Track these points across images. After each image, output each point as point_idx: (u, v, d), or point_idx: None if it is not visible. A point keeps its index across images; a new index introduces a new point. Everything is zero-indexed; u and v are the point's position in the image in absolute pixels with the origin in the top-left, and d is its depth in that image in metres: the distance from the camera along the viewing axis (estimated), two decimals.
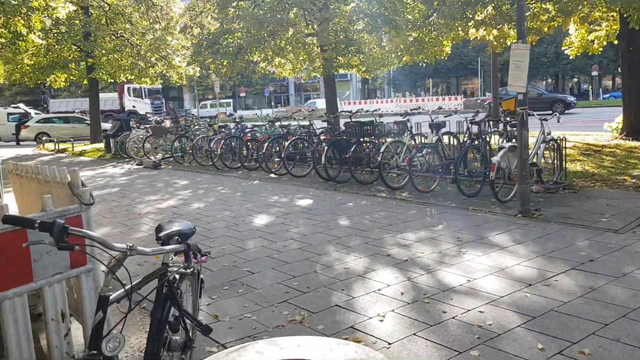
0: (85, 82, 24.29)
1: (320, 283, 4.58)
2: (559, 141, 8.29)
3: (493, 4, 13.05)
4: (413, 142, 9.67)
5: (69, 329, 3.09)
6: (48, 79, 24.33)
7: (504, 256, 5.07)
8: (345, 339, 3.49)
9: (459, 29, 14.16)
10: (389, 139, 9.43)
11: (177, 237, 2.47)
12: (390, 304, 4.06)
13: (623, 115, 14.16)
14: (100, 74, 22.99)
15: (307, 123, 12.54)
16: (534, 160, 7.82)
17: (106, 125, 24.13)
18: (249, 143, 12.88)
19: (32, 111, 31.14)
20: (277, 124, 13.20)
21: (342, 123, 11.59)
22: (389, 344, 3.42)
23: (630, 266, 4.62)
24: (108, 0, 22.83)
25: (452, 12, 13.27)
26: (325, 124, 11.75)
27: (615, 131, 14.43)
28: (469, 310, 3.86)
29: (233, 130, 14.08)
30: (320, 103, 34.77)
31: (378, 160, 9.01)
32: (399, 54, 16.48)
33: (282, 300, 4.24)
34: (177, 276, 2.47)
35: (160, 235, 2.46)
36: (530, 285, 4.29)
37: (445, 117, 9.68)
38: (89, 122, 24.96)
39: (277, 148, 11.93)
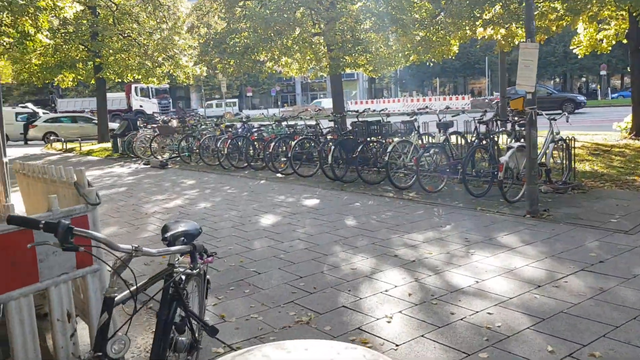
0: (93, 81, 24.41)
1: (327, 284, 4.56)
2: (567, 141, 8.22)
3: (501, 3, 12.98)
4: (420, 142, 9.63)
5: (75, 329, 3.08)
6: (56, 79, 24.47)
7: (512, 257, 5.02)
8: (353, 340, 3.47)
9: (467, 28, 14.08)
10: (396, 139, 9.40)
11: (183, 238, 2.46)
12: (397, 305, 4.03)
13: (632, 114, 14.05)
14: (108, 74, 23.08)
15: (313, 123, 12.53)
16: (543, 160, 7.76)
17: (113, 125, 24.21)
18: (255, 143, 12.90)
19: (40, 111, 31.29)
20: (284, 123, 13.18)
21: (349, 123, 11.55)
22: (397, 345, 3.39)
23: None
24: (115, 0, 22.92)
25: (460, 11, 13.21)
26: (332, 124, 11.73)
27: (624, 131, 14.31)
28: (477, 312, 3.82)
29: (240, 130, 14.10)
30: (327, 102, 34.70)
31: (385, 160, 8.98)
32: (406, 53, 16.41)
33: (288, 300, 4.21)
34: (183, 277, 2.45)
35: (166, 235, 2.45)
36: (539, 286, 4.25)
37: (452, 116, 9.64)
38: (96, 121, 25.07)
39: (284, 148, 11.93)
